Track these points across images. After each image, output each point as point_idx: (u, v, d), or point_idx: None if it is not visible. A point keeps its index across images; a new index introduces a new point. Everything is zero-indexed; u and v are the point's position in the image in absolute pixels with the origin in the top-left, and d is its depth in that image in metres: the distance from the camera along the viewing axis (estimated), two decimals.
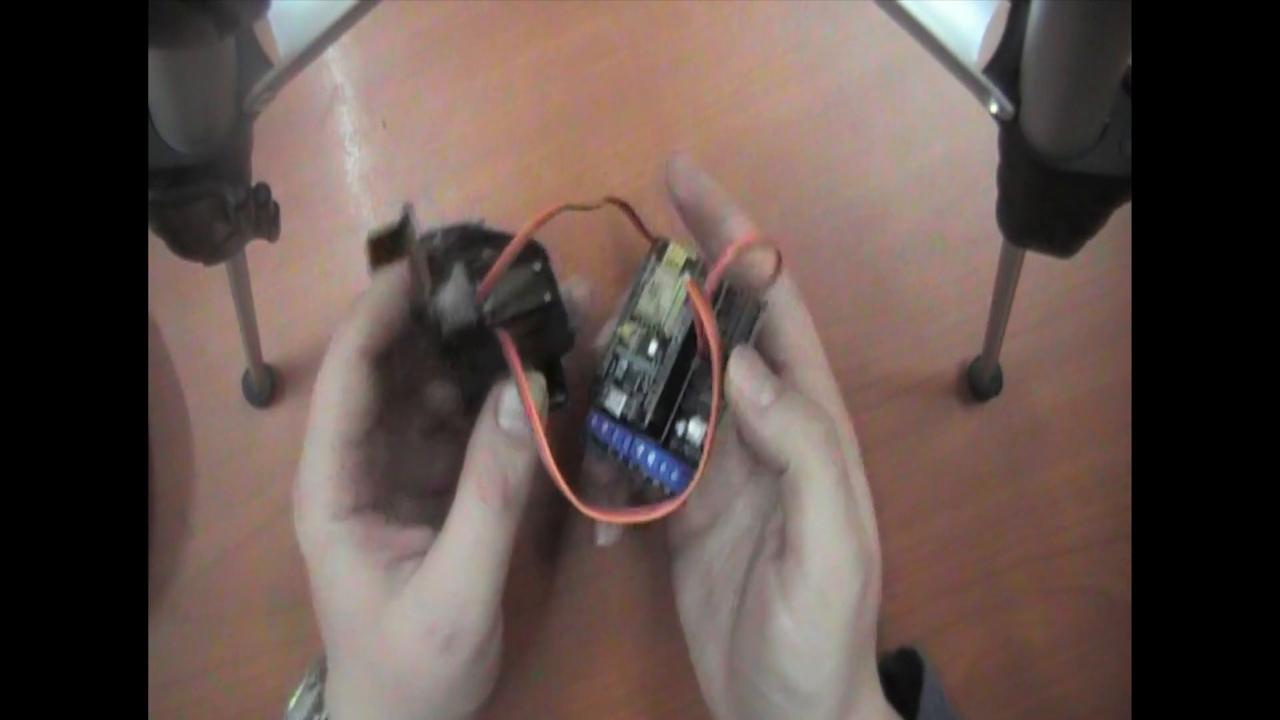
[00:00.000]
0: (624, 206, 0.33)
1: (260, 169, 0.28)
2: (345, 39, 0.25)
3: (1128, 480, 0.38)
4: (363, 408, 0.29)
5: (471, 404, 0.30)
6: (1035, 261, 0.30)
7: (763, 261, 0.31)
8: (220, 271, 0.32)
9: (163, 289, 0.40)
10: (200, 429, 0.40)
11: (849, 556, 0.27)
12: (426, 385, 0.33)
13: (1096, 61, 0.22)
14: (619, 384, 0.30)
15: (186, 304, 0.40)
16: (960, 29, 0.24)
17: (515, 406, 0.29)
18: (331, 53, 0.42)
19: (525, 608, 0.38)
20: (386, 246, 0.30)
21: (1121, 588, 0.39)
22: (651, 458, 0.30)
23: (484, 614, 0.28)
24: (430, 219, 0.40)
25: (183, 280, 0.40)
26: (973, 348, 0.39)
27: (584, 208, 0.31)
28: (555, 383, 0.31)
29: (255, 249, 0.31)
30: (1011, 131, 0.25)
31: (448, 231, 0.30)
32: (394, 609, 0.28)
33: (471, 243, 0.29)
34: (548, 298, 0.29)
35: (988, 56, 0.25)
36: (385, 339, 0.30)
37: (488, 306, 0.28)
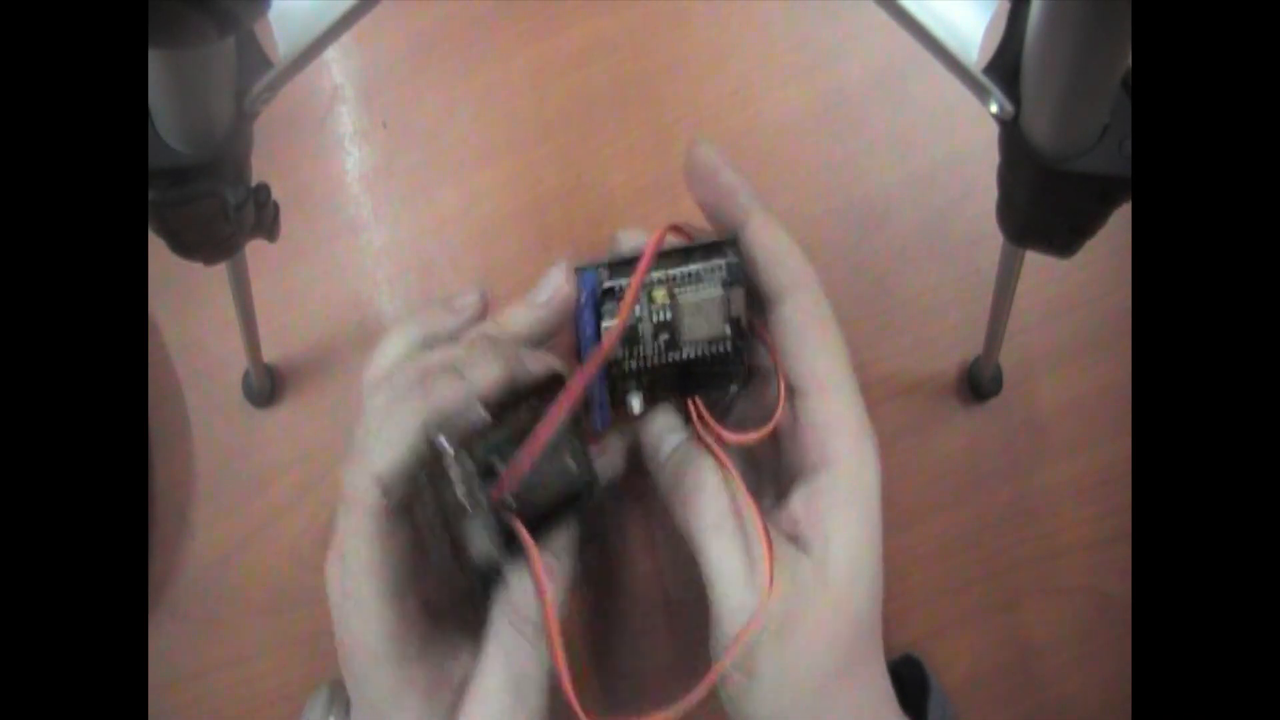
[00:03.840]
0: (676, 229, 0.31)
1: (260, 169, 0.28)
2: (345, 39, 0.25)
3: (1128, 480, 0.38)
4: (395, 560, 0.27)
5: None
6: (1035, 261, 0.30)
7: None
8: (220, 271, 0.32)
9: (163, 289, 0.40)
10: (200, 429, 0.40)
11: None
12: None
13: (1096, 61, 0.22)
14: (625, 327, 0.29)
15: (186, 304, 0.40)
16: (960, 29, 0.24)
17: (549, 542, 0.29)
18: (331, 53, 0.42)
19: None
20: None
21: (1121, 588, 0.39)
22: (596, 391, 0.30)
23: None
24: (429, 220, 0.41)
25: (183, 280, 0.40)
26: (973, 348, 0.39)
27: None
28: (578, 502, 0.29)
29: (255, 249, 0.31)
30: (1011, 132, 0.25)
31: (447, 428, 0.26)
32: None
33: (495, 419, 0.27)
34: (580, 478, 0.28)
35: (988, 56, 0.25)
36: (402, 494, 0.27)
37: (512, 503, 0.26)
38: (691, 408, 0.31)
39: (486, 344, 0.28)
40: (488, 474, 0.26)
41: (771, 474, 0.32)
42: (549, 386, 0.28)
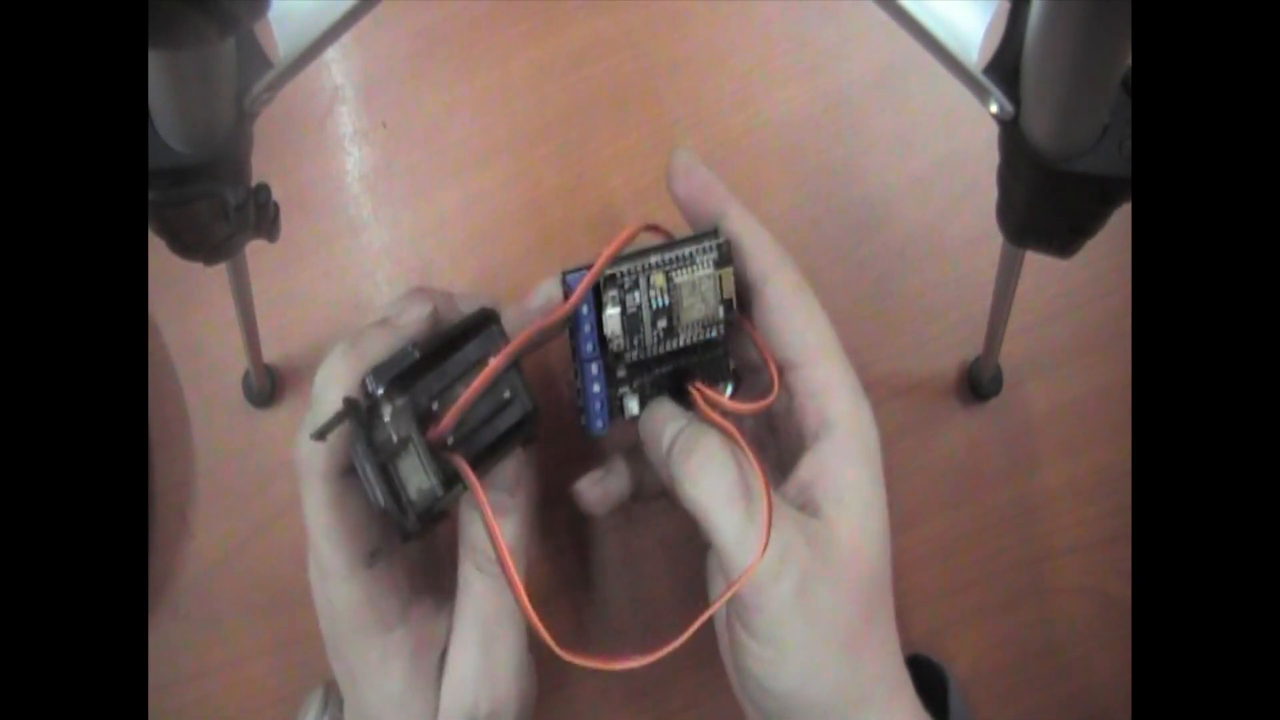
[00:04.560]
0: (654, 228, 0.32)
1: (260, 169, 0.28)
2: (345, 39, 0.25)
3: (1128, 480, 0.38)
4: (357, 523, 0.28)
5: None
6: (1035, 261, 0.30)
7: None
8: (220, 271, 0.32)
9: (163, 289, 0.40)
10: (200, 429, 0.40)
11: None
12: None
13: (1096, 61, 0.22)
14: (624, 310, 0.30)
15: (186, 304, 0.40)
16: (960, 29, 0.24)
17: (500, 480, 0.29)
18: (331, 53, 0.42)
19: None
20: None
21: (1121, 588, 0.39)
22: (596, 388, 0.31)
23: (515, 680, 0.29)
24: (429, 220, 0.41)
25: (183, 280, 0.40)
26: (973, 348, 0.39)
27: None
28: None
29: (255, 249, 0.31)
30: (1011, 132, 0.25)
31: (378, 371, 0.27)
32: (429, 707, 0.29)
33: (419, 366, 0.27)
34: (520, 409, 0.28)
35: (988, 57, 0.25)
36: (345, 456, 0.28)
37: (451, 440, 0.27)
38: (694, 391, 0.31)
39: (413, 293, 0.30)
40: (428, 417, 0.27)
41: (775, 461, 0.33)
42: (483, 324, 0.29)
